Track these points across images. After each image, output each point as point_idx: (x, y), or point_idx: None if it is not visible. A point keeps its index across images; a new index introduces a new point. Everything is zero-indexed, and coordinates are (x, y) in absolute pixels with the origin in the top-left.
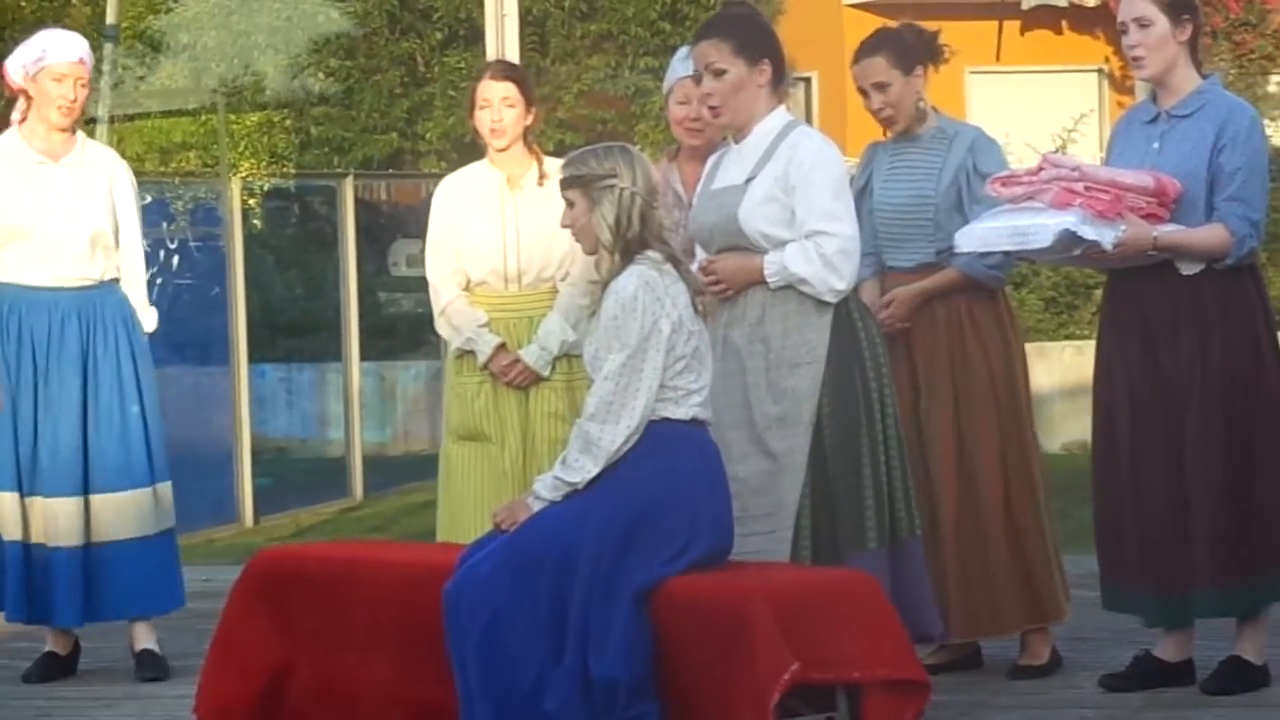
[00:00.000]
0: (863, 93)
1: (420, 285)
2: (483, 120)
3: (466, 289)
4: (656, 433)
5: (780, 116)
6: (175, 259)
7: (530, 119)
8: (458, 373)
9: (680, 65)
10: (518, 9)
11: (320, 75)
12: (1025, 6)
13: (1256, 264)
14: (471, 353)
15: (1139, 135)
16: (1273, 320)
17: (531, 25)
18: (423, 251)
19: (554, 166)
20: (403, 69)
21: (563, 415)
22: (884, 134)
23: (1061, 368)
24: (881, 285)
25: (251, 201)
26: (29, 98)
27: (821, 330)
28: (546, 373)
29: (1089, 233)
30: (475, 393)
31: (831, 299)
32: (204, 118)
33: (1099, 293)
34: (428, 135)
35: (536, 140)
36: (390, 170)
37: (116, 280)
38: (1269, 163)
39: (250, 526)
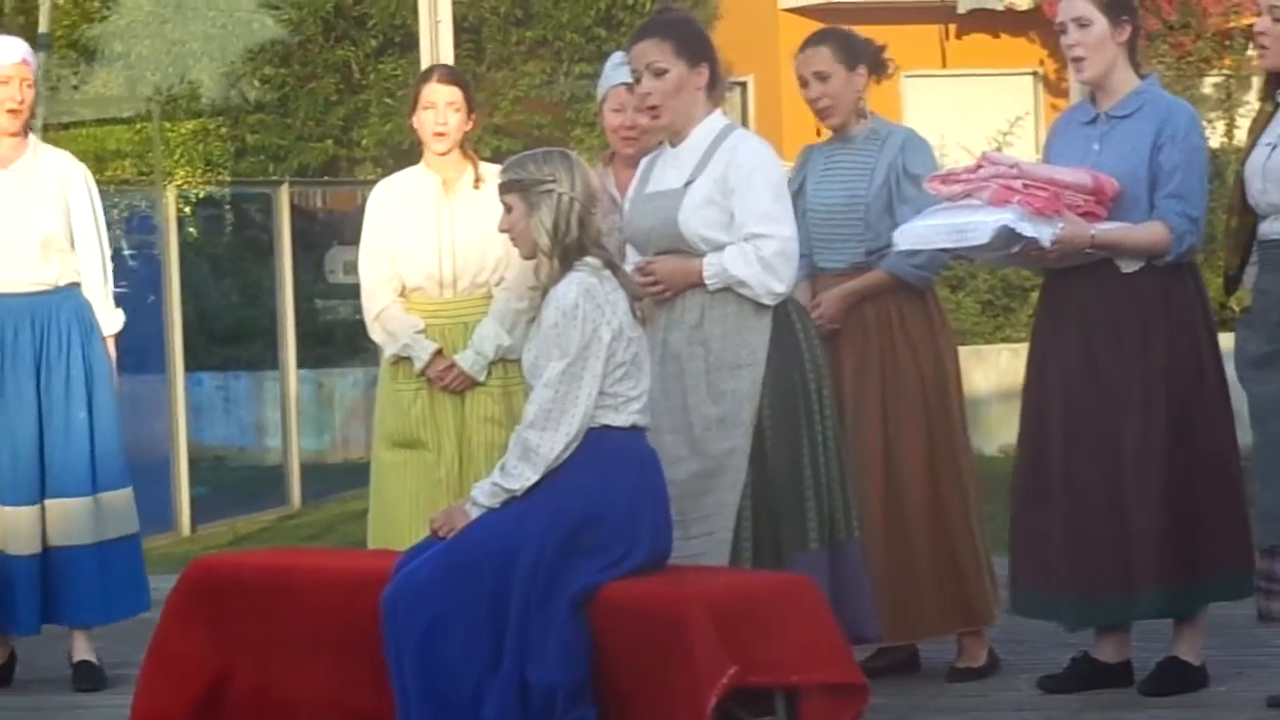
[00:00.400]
0: (803, 83)
1: (357, 292)
2: (426, 122)
3: (401, 295)
4: (596, 440)
5: (717, 120)
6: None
7: (470, 125)
8: (393, 379)
9: (614, 72)
10: (452, 15)
11: (255, 83)
12: (961, 10)
13: (1196, 263)
14: (407, 359)
15: (1078, 136)
16: (1212, 320)
17: (467, 31)
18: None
19: (490, 171)
20: (338, 76)
21: (499, 420)
22: (817, 133)
23: (998, 370)
24: (813, 287)
25: (187, 209)
26: None
27: (761, 332)
28: (482, 378)
29: (1027, 229)
30: (411, 399)
31: (770, 301)
32: (139, 126)
33: (1035, 295)
34: (363, 142)
35: (473, 146)
36: (326, 177)
37: (76, 284)
38: (1206, 163)
39: (187, 535)
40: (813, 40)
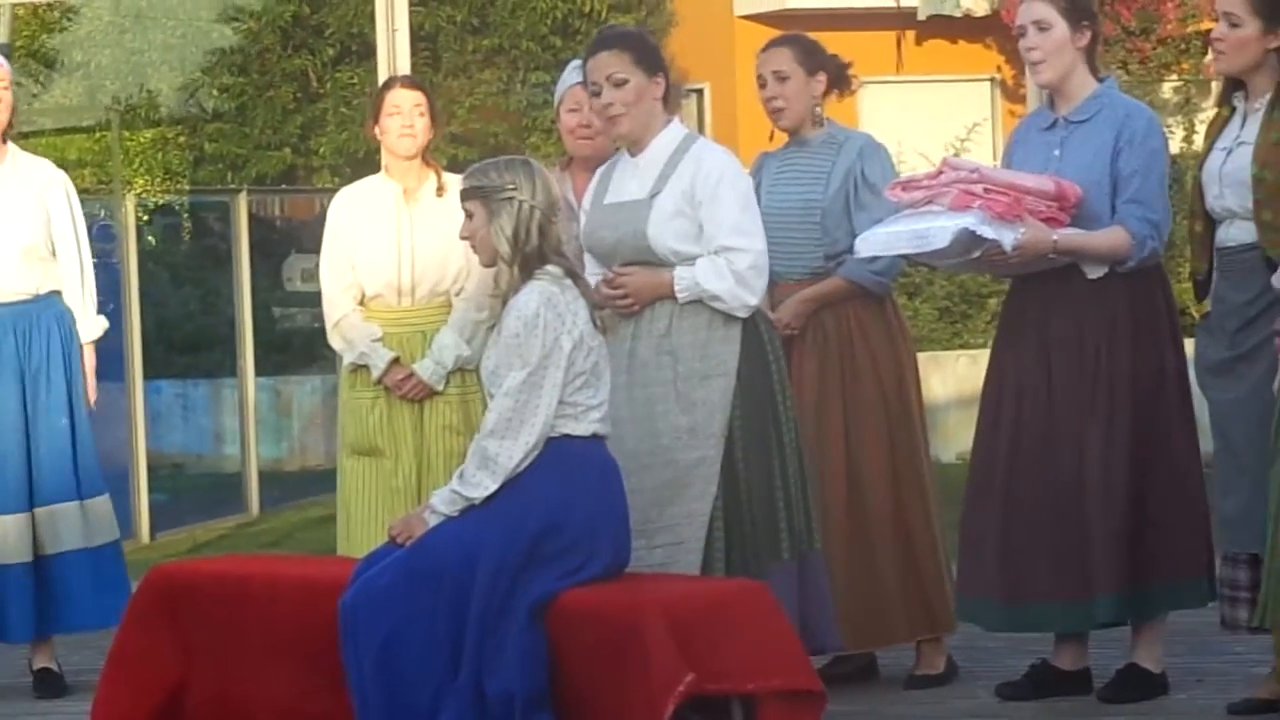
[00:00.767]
0: (761, 82)
1: (314, 300)
2: (391, 126)
3: (361, 303)
4: (557, 449)
5: (677, 129)
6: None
7: (433, 133)
8: (351, 387)
9: (572, 74)
10: (409, 24)
11: (214, 92)
12: (920, 18)
13: (1164, 269)
14: (365, 367)
15: (1038, 143)
16: (1178, 326)
17: (423, 40)
18: (317, 267)
19: (451, 180)
20: (295, 85)
21: (457, 429)
22: (770, 138)
23: (956, 377)
24: (772, 294)
25: (146, 218)
26: None
27: (731, 343)
28: (440, 387)
29: (988, 232)
30: (369, 407)
31: (743, 314)
32: (98, 135)
33: (993, 302)
34: (321, 151)
35: (432, 154)
36: (284, 186)
37: (56, 293)
38: (1167, 166)
39: (146, 543)
40: (776, 41)
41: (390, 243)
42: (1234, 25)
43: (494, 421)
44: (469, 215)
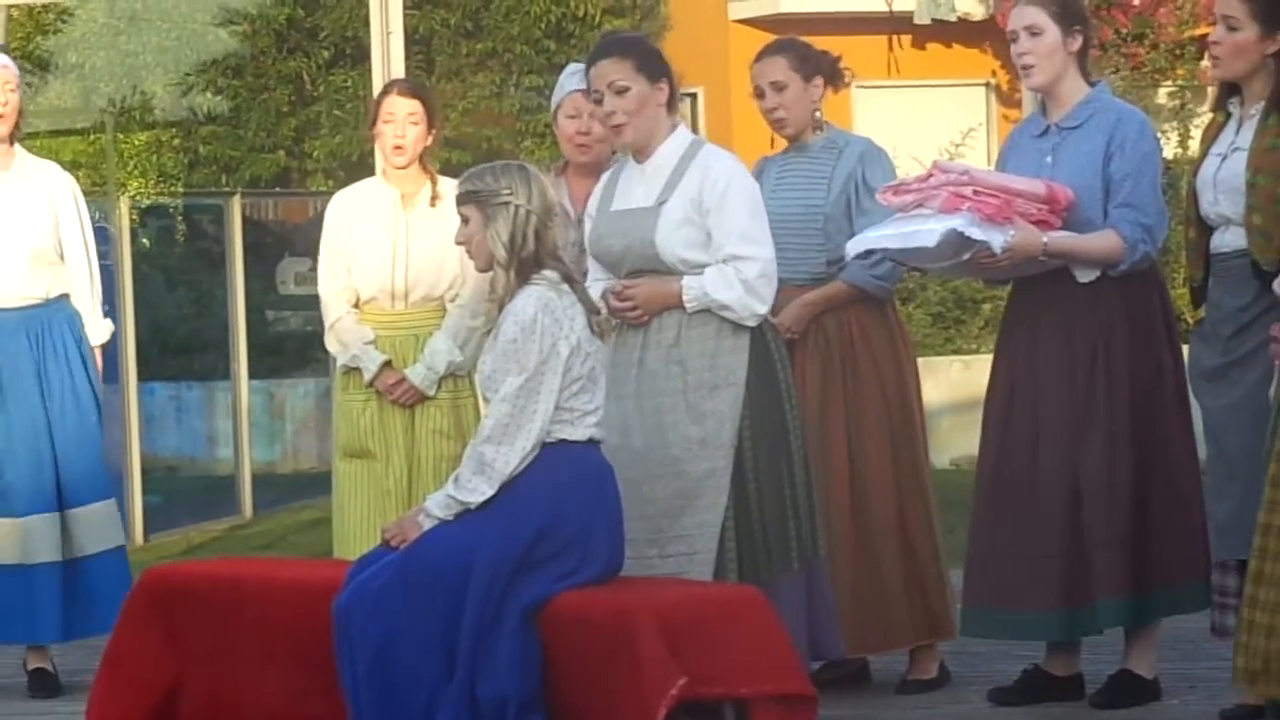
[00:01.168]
0: (758, 93)
1: (308, 303)
2: (385, 135)
3: (356, 305)
4: (552, 454)
5: (684, 136)
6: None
7: (430, 139)
8: (344, 389)
9: (569, 80)
10: (403, 27)
11: (208, 95)
12: (917, 22)
13: (1159, 272)
14: (358, 369)
15: (1030, 149)
16: (1174, 331)
17: (418, 43)
18: (310, 270)
19: (447, 186)
20: (290, 88)
21: (448, 433)
22: (771, 145)
23: (950, 383)
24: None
25: (140, 220)
26: None
27: (740, 353)
28: (432, 392)
29: (977, 234)
30: (361, 410)
31: (752, 323)
32: (92, 137)
33: (987, 307)
34: (315, 154)
35: (426, 159)
36: (278, 189)
37: (65, 295)
38: (1160, 169)
39: (140, 544)
40: (769, 50)
41: (385, 246)
42: (1232, 29)
43: (490, 427)
44: (464, 220)
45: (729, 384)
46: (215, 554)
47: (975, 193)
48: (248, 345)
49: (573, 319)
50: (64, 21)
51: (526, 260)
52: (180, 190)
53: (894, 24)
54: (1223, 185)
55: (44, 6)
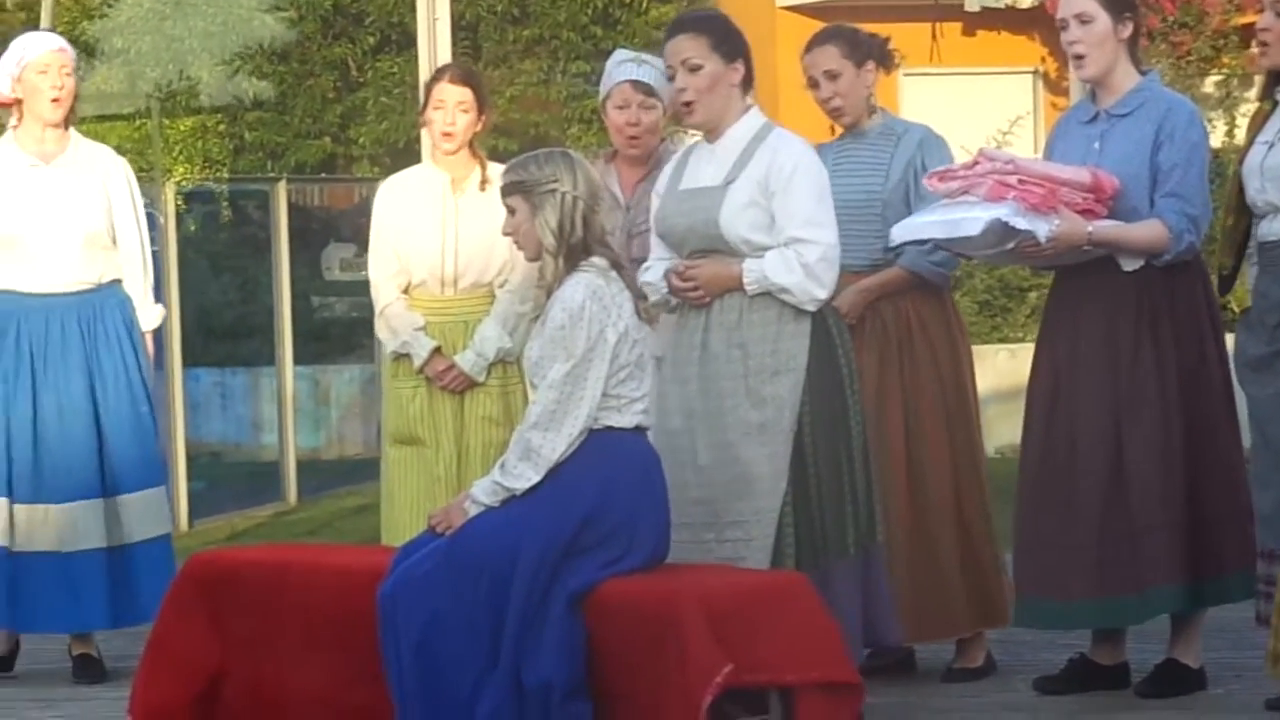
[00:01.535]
0: (812, 83)
1: (353, 289)
2: (435, 121)
3: (406, 291)
4: (599, 441)
5: (756, 118)
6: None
7: (480, 125)
8: (394, 376)
9: (618, 70)
10: (450, 14)
11: (254, 80)
12: (968, 9)
13: (1204, 261)
14: (408, 356)
15: (1079, 135)
16: (1218, 320)
17: (464, 30)
18: (356, 256)
19: (496, 172)
20: (336, 74)
21: (497, 420)
22: (831, 131)
23: (995, 371)
24: None
25: (185, 206)
26: (21, 104)
27: (801, 338)
28: (482, 379)
29: (1021, 224)
30: (410, 396)
31: (812, 308)
32: (138, 122)
33: (1033, 295)
34: (360, 140)
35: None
36: (323, 175)
37: (118, 281)
38: (1207, 160)
39: (185, 530)
40: (818, 40)
41: (436, 232)
42: None
43: (537, 413)
44: (511, 211)
45: (790, 369)
46: (259, 540)
47: (1020, 181)
48: (293, 331)
49: (620, 306)
50: (110, 6)
51: (575, 247)
52: (225, 176)
53: (940, 11)
54: (1270, 173)
55: None
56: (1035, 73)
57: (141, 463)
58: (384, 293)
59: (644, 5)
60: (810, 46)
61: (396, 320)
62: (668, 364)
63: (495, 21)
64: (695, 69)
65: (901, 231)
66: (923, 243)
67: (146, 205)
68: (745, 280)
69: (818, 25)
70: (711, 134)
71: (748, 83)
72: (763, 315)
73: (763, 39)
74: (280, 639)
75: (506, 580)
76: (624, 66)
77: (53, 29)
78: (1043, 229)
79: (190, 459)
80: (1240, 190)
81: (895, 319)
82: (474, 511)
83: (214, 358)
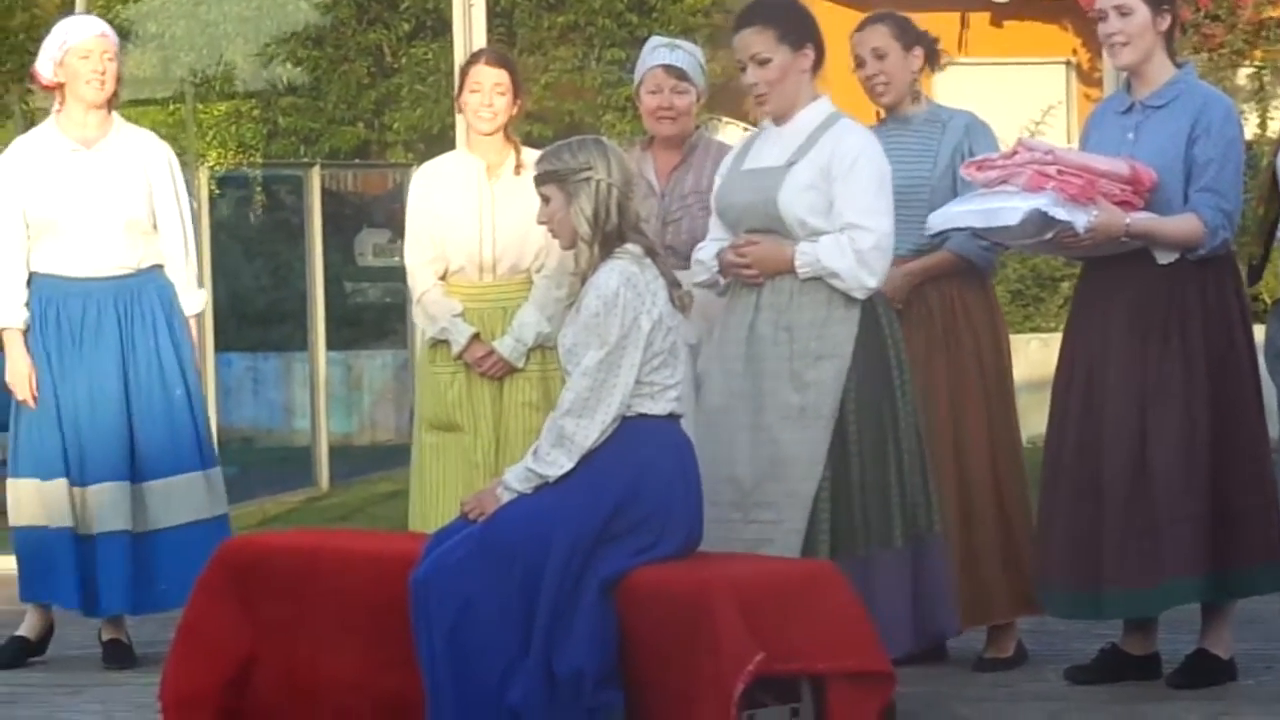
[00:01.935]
0: (859, 62)
1: (386, 275)
2: (471, 104)
3: (443, 278)
4: (632, 428)
5: (825, 106)
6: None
7: (516, 110)
8: (431, 362)
9: (650, 55)
10: (485, 0)
11: (288, 65)
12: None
13: (1233, 256)
14: (445, 342)
15: (1113, 126)
16: (1248, 312)
17: (499, 16)
18: (389, 241)
19: (531, 157)
20: (370, 60)
21: (537, 405)
22: (877, 116)
23: (1027, 361)
24: None
25: (219, 190)
26: (63, 88)
27: (849, 324)
28: (521, 364)
29: (1060, 214)
30: (449, 383)
31: (861, 295)
32: (172, 107)
33: (1066, 285)
34: (395, 126)
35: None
36: (357, 160)
37: (158, 266)
38: (1242, 156)
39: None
40: (869, 20)
41: (473, 218)
42: None
43: (571, 400)
44: (545, 200)
45: (834, 355)
46: (291, 526)
47: (1059, 172)
48: (326, 316)
49: (655, 293)
50: None
51: (610, 234)
52: (259, 161)
53: (975, 1)
54: None
55: None
56: (1068, 63)
57: (172, 448)
58: (421, 280)
59: None
60: (861, 26)
61: (434, 307)
62: (714, 342)
63: (530, 8)
64: (764, 62)
65: (939, 220)
66: (959, 231)
67: None
68: (797, 263)
69: (853, 14)
70: (780, 119)
71: (818, 64)
72: (812, 299)
73: None
74: (312, 625)
75: (539, 567)
76: (657, 51)
77: (88, 13)
78: (1081, 220)
79: (222, 444)
80: (1274, 180)
81: (940, 305)
82: (507, 498)
83: (246, 343)
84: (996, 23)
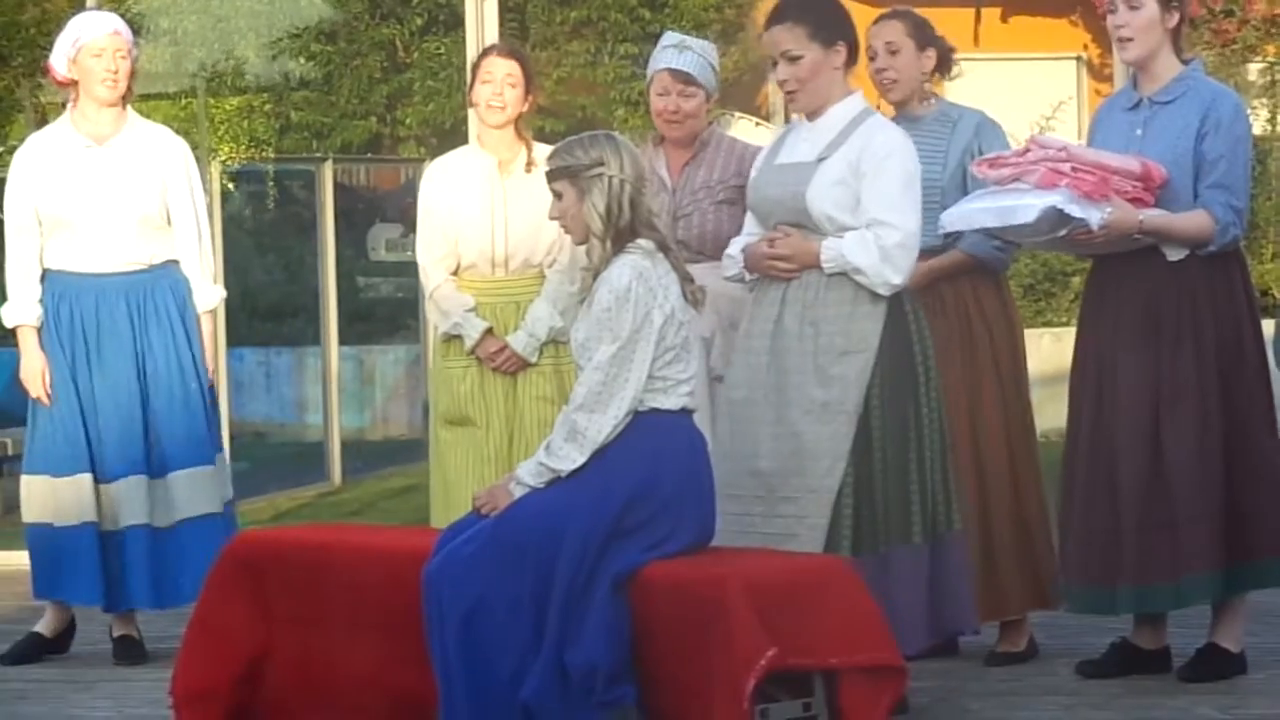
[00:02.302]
0: (871, 55)
1: (399, 270)
2: (482, 95)
3: (456, 273)
4: (644, 423)
5: (857, 102)
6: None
7: (528, 104)
8: (444, 356)
9: (660, 56)
10: None
11: (300, 60)
12: None
13: (1242, 252)
14: (458, 337)
15: (1121, 122)
16: (1256, 308)
17: (511, 11)
18: (401, 236)
19: (542, 153)
20: (382, 54)
21: (551, 399)
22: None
23: (1039, 356)
24: None
25: (231, 185)
26: (77, 85)
27: (875, 320)
28: (534, 359)
29: (1075, 211)
30: (461, 377)
31: (886, 292)
32: (184, 102)
33: (1077, 280)
34: (407, 121)
35: (522, 126)
36: (369, 155)
37: (172, 262)
38: (1251, 152)
39: None
40: (885, 16)
41: (485, 214)
42: None
43: (583, 395)
44: (557, 196)
45: (859, 350)
46: (303, 521)
47: (1073, 169)
48: (338, 311)
49: (667, 288)
50: None
51: (623, 230)
52: (271, 156)
53: None
54: None
55: None
56: (1078, 59)
57: (189, 441)
58: (433, 275)
59: None
60: (877, 20)
61: (447, 302)
62: (740, 336)
63: (543, 3)
64: (795, 60)
65: (952, 218)
66: (973, 230)
67: None
68: (823, 258)
69: (868, 10)
70: (813, 114)
71: (851, 59)
72: (838, 295)
73: None
74: (324, 620)
75: (551, 561)
76: (665, 53)
77: (100, 8)
78: (1095, 217)
79: (234, 439)
80: None
81: (955, 302)
82: (519, 493)
83: (258, 337)
84: (1006, 18)
